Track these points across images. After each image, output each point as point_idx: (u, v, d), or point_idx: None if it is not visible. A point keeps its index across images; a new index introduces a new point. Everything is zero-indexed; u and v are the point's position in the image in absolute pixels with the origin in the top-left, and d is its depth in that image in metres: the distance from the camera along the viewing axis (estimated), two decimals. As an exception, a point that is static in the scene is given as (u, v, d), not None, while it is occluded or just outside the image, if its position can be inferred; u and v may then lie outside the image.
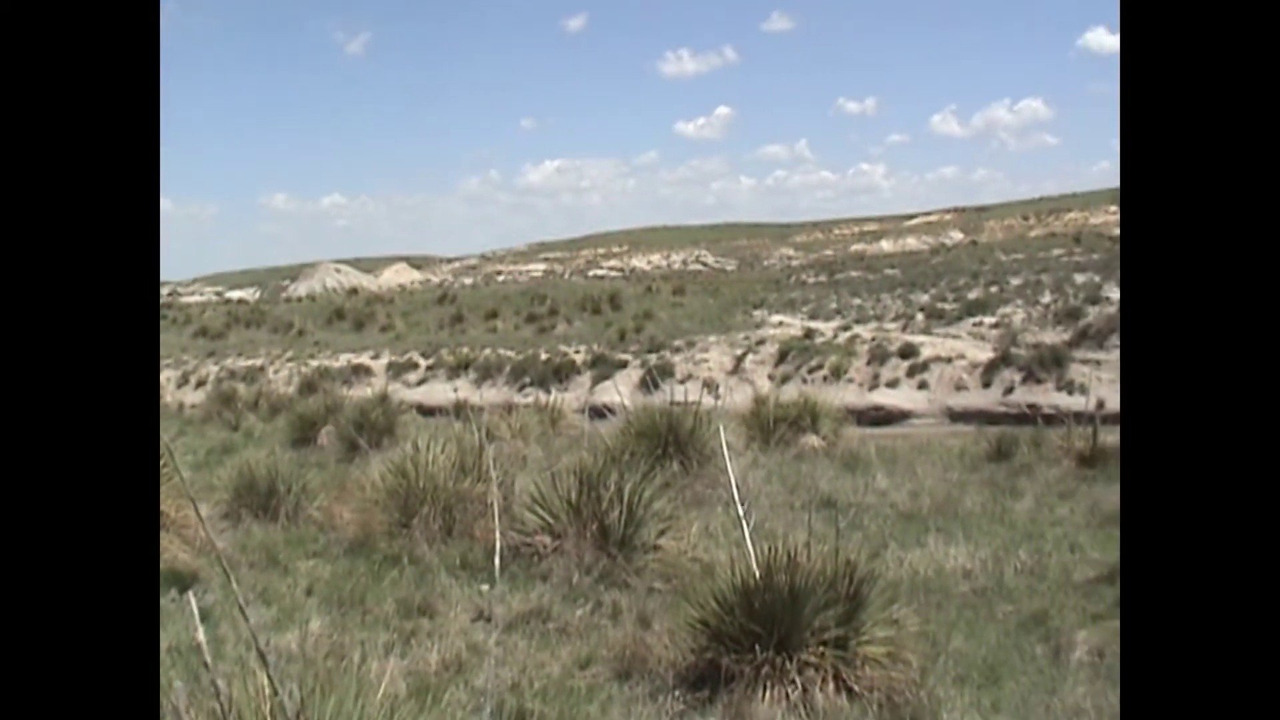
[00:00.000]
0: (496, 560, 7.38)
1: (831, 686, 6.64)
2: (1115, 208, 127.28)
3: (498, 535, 7.54)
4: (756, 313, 62.12)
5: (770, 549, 7.19)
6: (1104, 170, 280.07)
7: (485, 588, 8.68)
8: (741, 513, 7.79)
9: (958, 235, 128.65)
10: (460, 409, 17.66)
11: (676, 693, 6.75)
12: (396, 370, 52.76)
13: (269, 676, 4.74)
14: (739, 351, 49.16)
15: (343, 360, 54.73)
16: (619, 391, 30.00)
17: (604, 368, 48.01)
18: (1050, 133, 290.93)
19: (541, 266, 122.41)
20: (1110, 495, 12.23)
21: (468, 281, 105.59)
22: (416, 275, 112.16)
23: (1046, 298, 55.54)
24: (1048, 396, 39.64)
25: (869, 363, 45.77)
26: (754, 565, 7.08)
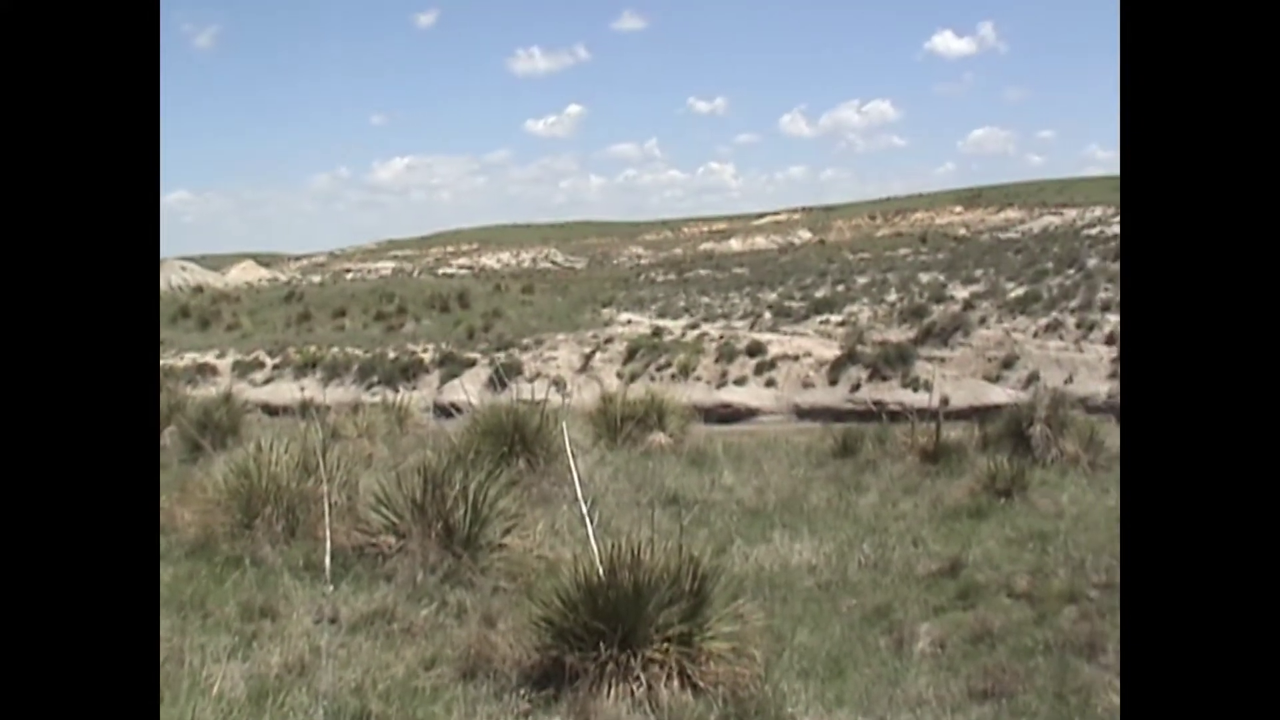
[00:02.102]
0: (327, 560, 7.27)
1: (676, 682, 6.64)
2: (960, 207, 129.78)
3: (328, 535, 7.43)
4: (605, 311, 62.23)
5: (614, 546, 7.19)
6: (949, 171, 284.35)
7: (329, 589, 8.58)
8: (585, 510, 7.79)
9: (806, 234, 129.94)
10: (306, 408, 17.45)
11: (521, 691, 6.70)
12: (242, 369, 52.10)
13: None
14: (588, 349, 49.29)
15: (187, 359, 53.81)
16: (465, 390, 29.89)
17: (452, 366, 47.92)
18: (897, 134, 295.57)
19: (391, 264, 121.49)
20: (952, 489, 12.44)
21: (316, 279, 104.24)
22: (264, 273, 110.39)
23: (892, 296, 56.41)
24: (893, 393, 40.31)
25: (717, 360, 46.16)
26: (598, 562, 7.08)
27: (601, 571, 6.98)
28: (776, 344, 47.30)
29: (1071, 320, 45.17)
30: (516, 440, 12.77)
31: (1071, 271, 55.97)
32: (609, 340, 50.60)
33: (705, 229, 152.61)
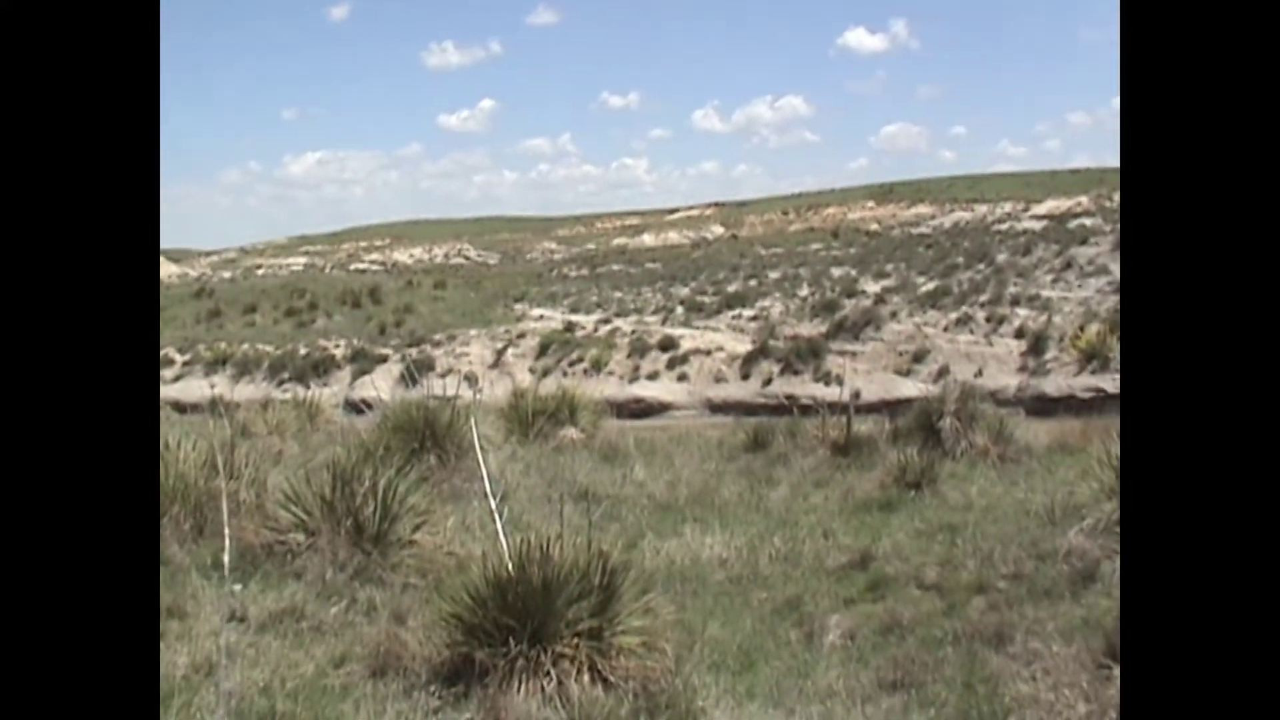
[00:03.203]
0: (227, 559, 7.16)
1: (586, 677, 6.65)
2: (872, 203, 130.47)
3: (227, 533, 7.33)
4: (518, 306, 62.02)
5: (523, 541, 7.17)
6: (862, 166, 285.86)
7: (238, 588, 8.49)
8: (494, 506, 7.77)
9: (719, 229, 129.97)
10: (216, 405, 17.28)
11: (431, 688, 6.69)
12: (151, 366, 51.40)
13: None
14: (500, 345, 49.12)
15: (94, 356, 53.06)
16: (375, 386, 29.74)
17: (364, 362, 47.61)
18: (810, 130, 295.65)
19: (302, 260, 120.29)
20: (863, 482, 12.51)
21: (226, 275, 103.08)
22: (174, 269, 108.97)
23: (804, 291, 56.54)
24: (805, 387, 40.46)
25: (629, 356, 46.14)
26: (507, 558, 7.06)
27: (511, 567, 6.97)
28: (689, 339, 47.34)
29: (982, 314, 45.50)
30: (427, 436, 12.72)
31: (982, 266, 56.38)
32: (521, 335, 50.44)
33: (618, 224, 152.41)
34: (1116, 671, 6.40)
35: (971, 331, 44.50)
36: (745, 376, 44.10)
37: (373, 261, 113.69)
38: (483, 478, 8.91)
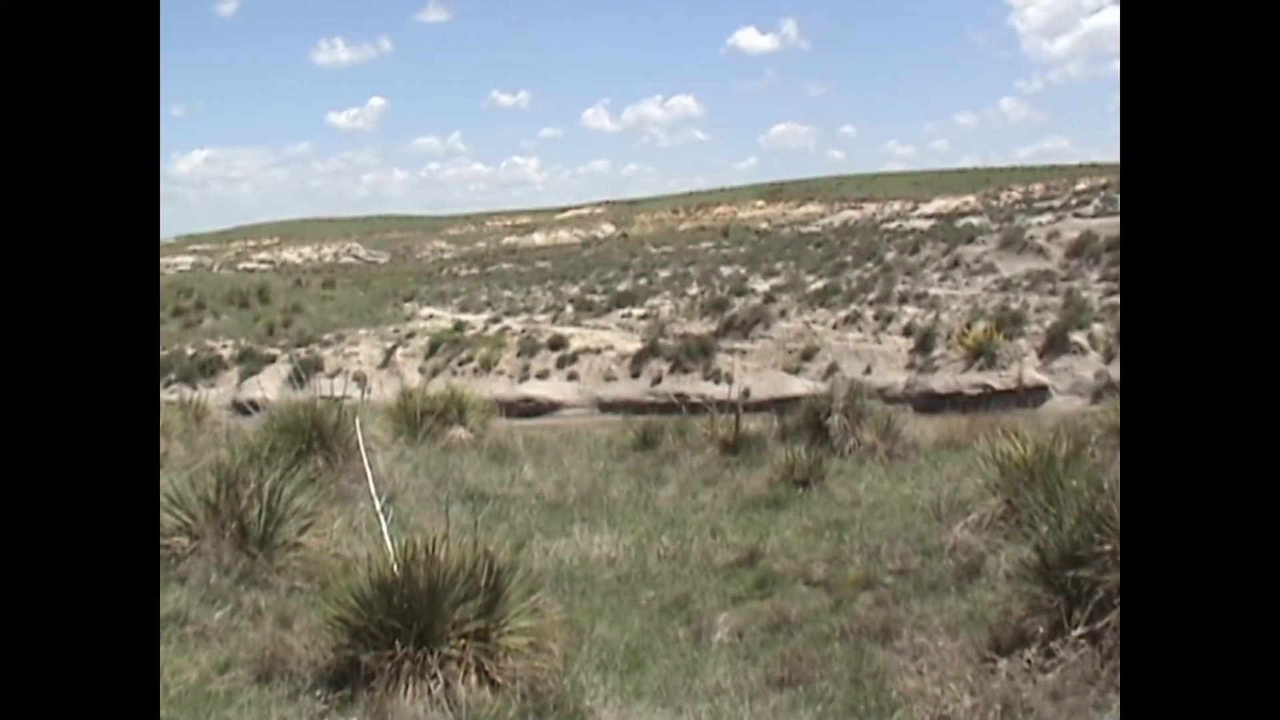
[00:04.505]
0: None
1: (474, 679, 6.62)
2: (762, 202, 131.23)
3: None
4: (407, 306, 61.74)
5: (408, 543, 7.12)
6: (752, 166, 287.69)
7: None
8: (380, 507, 7.72)
9: (609, 228, 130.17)
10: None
11: (317, 692, 6.63)
12: (32, 368, 50.58)
13: None
14: (389, 345, 48.87)
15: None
16: (263, 387, 29.44)
17: (252, 363, 47.08)
18: (700, 129, 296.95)
19: (189, 259, 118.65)
20: (751, 480, 12.56)
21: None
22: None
23: (694, 289, 56.72)
24: (695, 386, 40.59)
25: (519, 355, 46.08)
26: (392, 560, 7.01)
27: (396, 569, 6.92)
28: (578, 338, 47.35)
29: (870, 312, 45.87)
30: (315, 437, 12.58)
31: (870, 265, 56.87)
32: (411, 335, 50.20)
33: (509, 223, 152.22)
34: (1002, 664, 6.48)
35: (860, 329, 44.86)
36: (635, 375, 44.18)
37: (261, 261, 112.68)
38: (370, 479, 8.84)
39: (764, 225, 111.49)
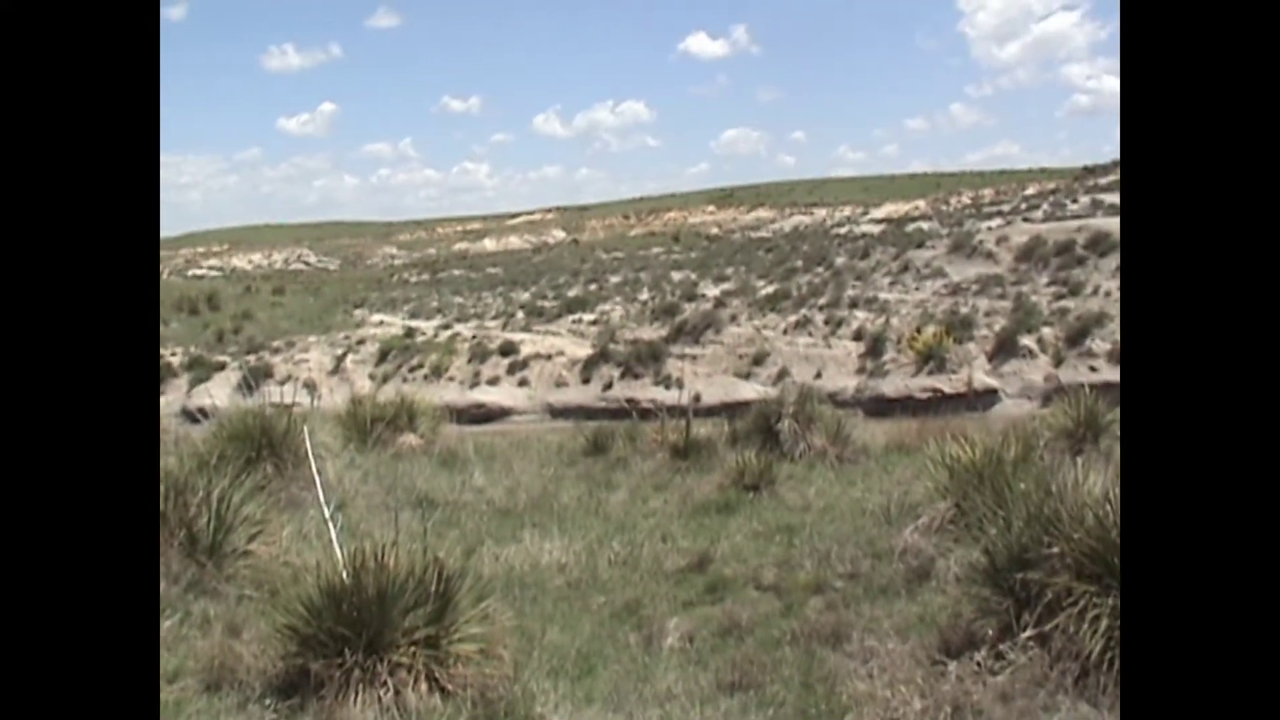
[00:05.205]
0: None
1: (424, 686, 6.59)
2: (712, 207, 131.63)
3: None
4: (358, 312, 61.65)
5: (356, 550, 7.09)
6: (703, 171, 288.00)
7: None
8: (329, 514, 7.68)
9: (560, 234, 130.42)
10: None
11: (266, 701, 6.59)
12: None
13: None
14: (339, 351, 48.72)
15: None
16: (212, 395, 29.28)
17: (201, 370, 46.86)
18: (651, 134, 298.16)
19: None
20: (702, 485, 12.57)
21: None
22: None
23: (645, 295, 56.86)
24: (645, 391, 40.68)
25: (470, 361, 46.06)
26: (341, 567, 6.98)
27: (345, 576, 6.88)
28: (529, 343, 47.35)
29: (820, 317, 46.06)
30: (264, 445, 12.51)
31: (820, 269, 57.11)
32: (361, 342, 50.11)
33: (460, 229, 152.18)
34: (951, 667, 6.50)
35: (810, 334, 45.03)
36: (586, 381, 44.22)
37: (211, 267, 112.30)
38: (322, 486, 8.80)
39: (715, 230, 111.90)
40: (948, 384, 38.69)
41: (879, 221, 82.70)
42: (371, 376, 45.64)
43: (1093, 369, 37.79)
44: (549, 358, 45.66)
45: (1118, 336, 39.43)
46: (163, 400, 35.07)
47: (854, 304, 47.29)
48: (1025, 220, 59.20)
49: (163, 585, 8.44)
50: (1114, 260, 45.63)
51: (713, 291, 54.19)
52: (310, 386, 36.92)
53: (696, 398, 35.52)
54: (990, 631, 6.64)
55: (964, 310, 44.12)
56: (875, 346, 42.59)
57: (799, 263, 61.13)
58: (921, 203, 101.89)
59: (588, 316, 52.54)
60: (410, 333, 51.40)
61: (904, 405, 33.58)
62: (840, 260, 58.53)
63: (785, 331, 45.61)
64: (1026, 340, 40.71)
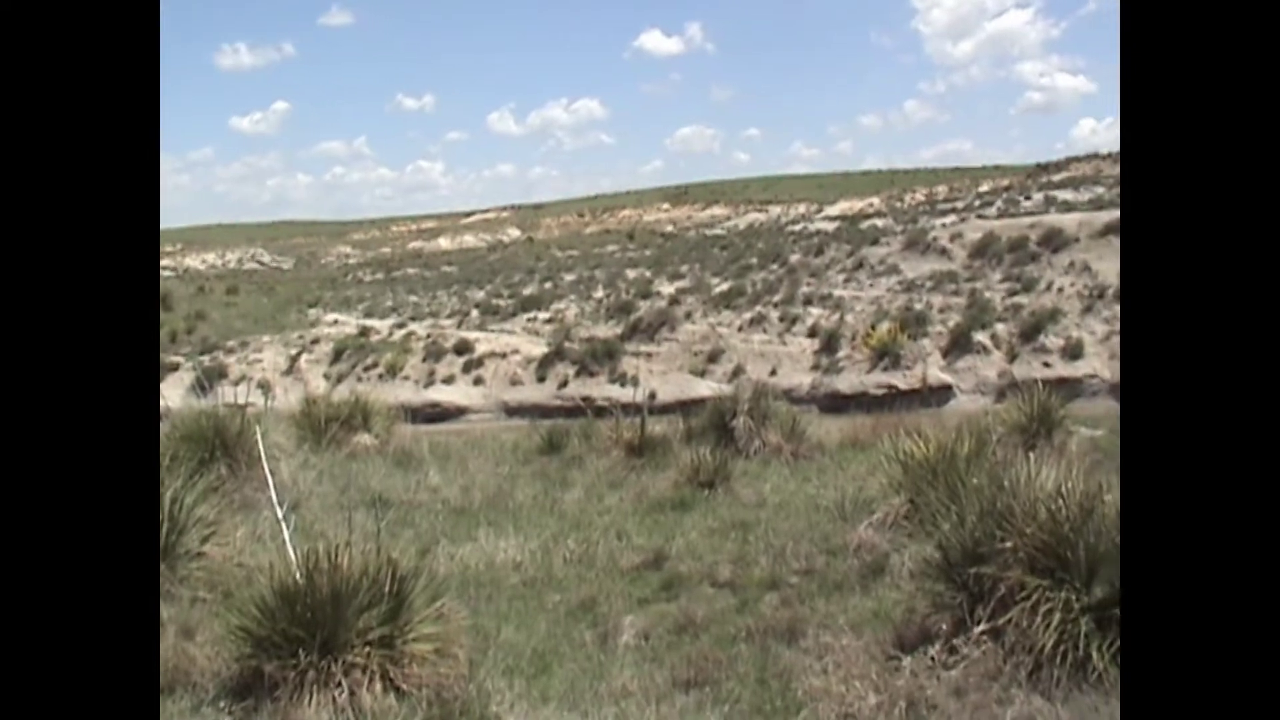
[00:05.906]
0: None
1: (379, 686, 6.57)
2: (667, 204, 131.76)
3: None
4: (312, 312, 61.40)
5: (309, 550, 7.07)
6: (657, 169, 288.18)
7: None
8: (282, 515, 7.65)
9: (515, 232, 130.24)
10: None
11: (221, 704, 6.55)
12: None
13: None
14: (294, 351, 48.49)
15: None
16: (165, 395, 29.06)
17: (154, 371, 46.49)
18: (605, 132, 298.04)
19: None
20: (657, 482, 12.58)
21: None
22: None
23: (600, 293, 56.83)
24: (601, 389, 40.57)
25: (425, 360, 45.92)
26: (295, 568, 6.95)
27: (299, 577, 6.86)
28: (484, 342, 47.24)
29: (775, 314, 46.11)
30: (217, 445, 12.45)
31: (775, 267, 57.17)
32: (315, 341, 49.88)
33: (414, 228, 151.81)
34: (906, 661, 6.54)
35: (765, 331, 45.08)
36: (541, 379, 44.15)
37: (164, 267, 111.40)
38: (275, 487, 8.77)
39: (669, 228, 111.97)
40: (902, 380, 38.79)
41: (833, 219, 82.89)
42: (326, 376, 45.44)
43: (1046, 365, 38.02)
44: (504, 356, 45.57)
45: (1070, 333, 39.74)
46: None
47: (809, 301, 47.39)
48: (979, 217, 59.42)
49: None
50: (1067, 256, 45.96)
51: (668, 289, 54.19)
52: (264, 387, 36.65)
53: (652, 395, 35.53)
54: (944, 626, 6.68)
55: (918, 307, 44.26)
56: (830, 343, 42.67)
57: (754, 260, 61.20)
58: (876, 200, 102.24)
59: (543, 315, 52.49)
60: (365, 332, 51.23)
61: (859, 402, 33.79)
62: (795, 257, 58.62)
63: (740, 329, 45.65)
64: (980, 336, 40.88)
